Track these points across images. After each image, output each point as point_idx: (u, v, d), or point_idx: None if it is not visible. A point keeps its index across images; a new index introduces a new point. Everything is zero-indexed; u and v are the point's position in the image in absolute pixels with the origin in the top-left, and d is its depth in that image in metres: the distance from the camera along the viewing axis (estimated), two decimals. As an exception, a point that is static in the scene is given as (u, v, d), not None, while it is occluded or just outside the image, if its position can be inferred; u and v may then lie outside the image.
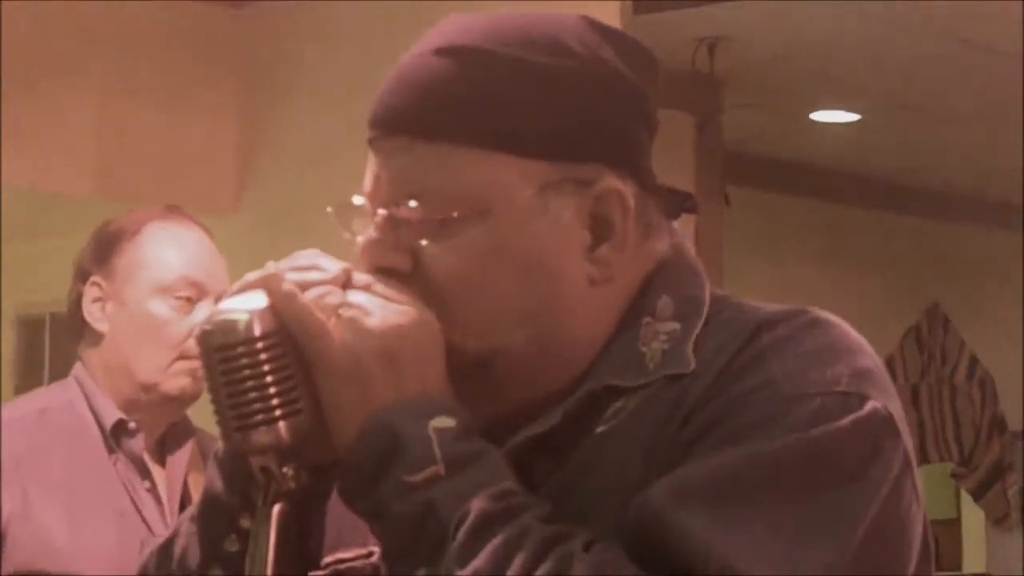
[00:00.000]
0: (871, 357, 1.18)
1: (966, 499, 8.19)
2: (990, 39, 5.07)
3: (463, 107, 1.17)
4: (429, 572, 1.08)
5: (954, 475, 7.96)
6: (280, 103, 4.49)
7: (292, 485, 1.15)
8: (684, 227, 1.29)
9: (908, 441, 1.16)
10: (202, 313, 2.31)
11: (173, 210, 2.44)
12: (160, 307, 2.33)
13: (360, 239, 1.20)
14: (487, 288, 1.17)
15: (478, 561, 1.06)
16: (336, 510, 1.22)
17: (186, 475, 2.39)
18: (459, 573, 1.07)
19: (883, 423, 1.13)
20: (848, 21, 4.89)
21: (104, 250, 2.38)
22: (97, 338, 2.37)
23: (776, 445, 1.09)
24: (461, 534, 1.07)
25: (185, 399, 2.36)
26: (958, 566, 8.40)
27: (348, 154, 1.26)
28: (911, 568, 1.15)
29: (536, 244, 1.17)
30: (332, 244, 1.23)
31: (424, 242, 1.17)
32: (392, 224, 1.18)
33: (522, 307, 1.17)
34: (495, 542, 1.06)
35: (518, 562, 1.05)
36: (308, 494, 1.19)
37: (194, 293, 2.34)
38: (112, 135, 4.26)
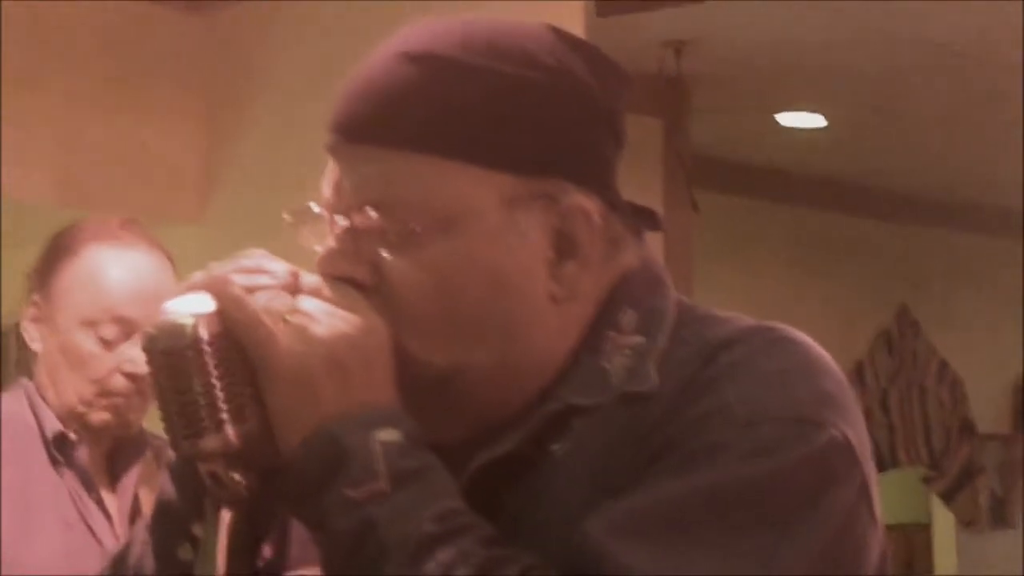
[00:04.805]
0: (834, 378, 1.14)
1: (937, 502, 8.20)
2: (957, 42, 5.07)
3: (430, 116, 1.14)
4: None
5: (924, 479, 7.97)
6: (245, 110, 4.46)
7: (242, 491, 1.13)
8: (652, 233, 1.27)
9: (868, 465, 1.13)
10: (127, 351, 2.27)
11: (127, 225, 2.37)
12: (85, 340, 2.29)
13: (318, 248, 1.17)
14: (450, 303, 1.14)
15: None
16: (301, 526, 1.19)
17: (136, 488, 2.35)
18: None
19: (839, 451, 1.10)
20: (814, 24, 4.88)
21: (46, 267, 2.35)
22: (34, 356, 2.35)
23: (724, 476, 1.06)
24: (400, 555, 1.05)
25: (109, 430, 2.32)
26: (929, 570, 8.42)
27: (314, 162, 1.24)
28: None
29: (501, 259, 1.14)
30: (297, 253, 1.21)
31: (385, 254, 1.14)
32: (352, 234, 1.15)
33: (485, 324, 1.14)
34: (430, 566, 1.04)
35: None
36: (259, 500, 1.16)
37: (119, 331, 2.28)
38: (74, 143, 4.22)
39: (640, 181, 5.37)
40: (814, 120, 6.22)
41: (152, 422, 2.37)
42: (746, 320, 1.18)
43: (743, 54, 5.26)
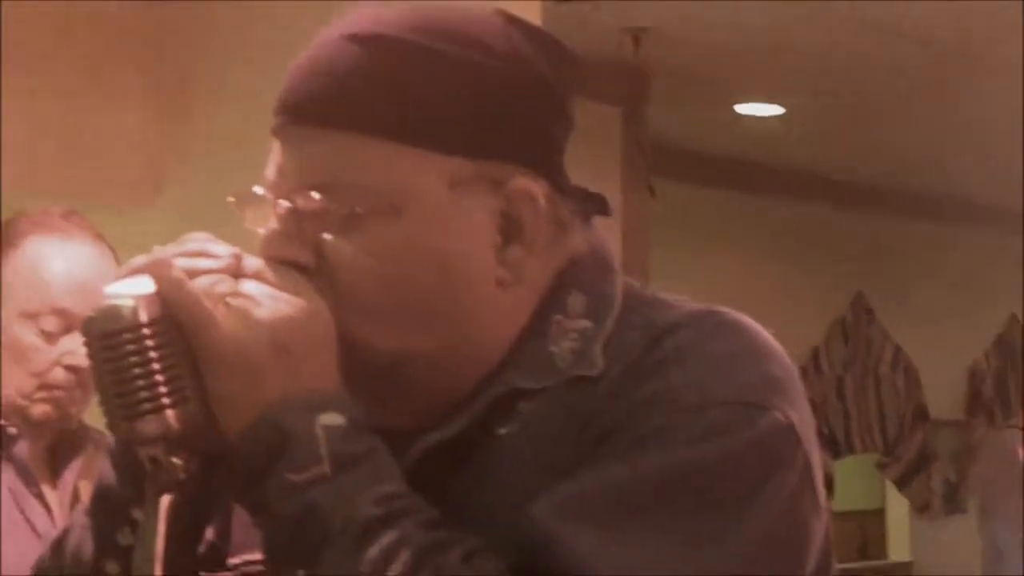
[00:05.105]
0: (780, 362, 1.14)
1: (891, 488, 8.26)
2: (917, 30, 5.09)
3: (376, 97, 1.13)
4: (308, 574, 1.06)
5: (878, 465, 8.03)
6: (200, 95, 4.43)
7: (182, 475, 1.12)
8: (610, 220, 1.26)
9: (812, 449, 1.13)
10: (68, 344, 2.25)
11: (68, 216, 2.33)
12: (25, 333, 2.25)
13: (262, 231, 1.16)
14: (395, 287, 1.13)
15: (355, 568, 1.04)
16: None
17: (77, 482, 2.33)
18: None
19: (783, 436, 1.10)
20: (773, 13, 4.89)
21: None
22: None
23: (672, 460, 1.07)
24: (342, 539, 1.05)
25: (50, 424, 2.29)
26: (883, 555, 8.48)
27: (268, 149, 1.23)
28: None
29: (446, 243, 1.13)
30: (251, 238, 1.20)
31: (327, 236, 1.13)
32: (296, 217, 1.14)
33: (431, 309, 1.14)
34: (372, 550, 1.04)
35: (393, 571, 1.03)
36: (200, 484, 1.15)
37: (59, 324, 2.24)
38: (25, 128, 4.18)
39: (598, 168, 5.36)
40: (771, 108, 6.24)
41: (93, 417, 2.35)
42: (693, 304, 1.18)
43: (702, 42, 5.27)
